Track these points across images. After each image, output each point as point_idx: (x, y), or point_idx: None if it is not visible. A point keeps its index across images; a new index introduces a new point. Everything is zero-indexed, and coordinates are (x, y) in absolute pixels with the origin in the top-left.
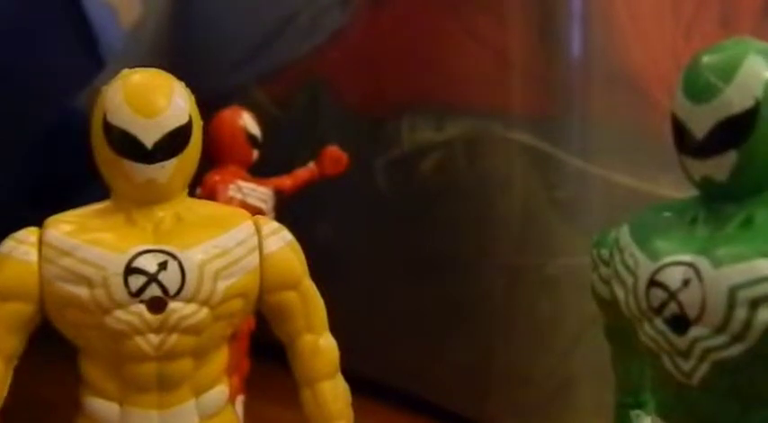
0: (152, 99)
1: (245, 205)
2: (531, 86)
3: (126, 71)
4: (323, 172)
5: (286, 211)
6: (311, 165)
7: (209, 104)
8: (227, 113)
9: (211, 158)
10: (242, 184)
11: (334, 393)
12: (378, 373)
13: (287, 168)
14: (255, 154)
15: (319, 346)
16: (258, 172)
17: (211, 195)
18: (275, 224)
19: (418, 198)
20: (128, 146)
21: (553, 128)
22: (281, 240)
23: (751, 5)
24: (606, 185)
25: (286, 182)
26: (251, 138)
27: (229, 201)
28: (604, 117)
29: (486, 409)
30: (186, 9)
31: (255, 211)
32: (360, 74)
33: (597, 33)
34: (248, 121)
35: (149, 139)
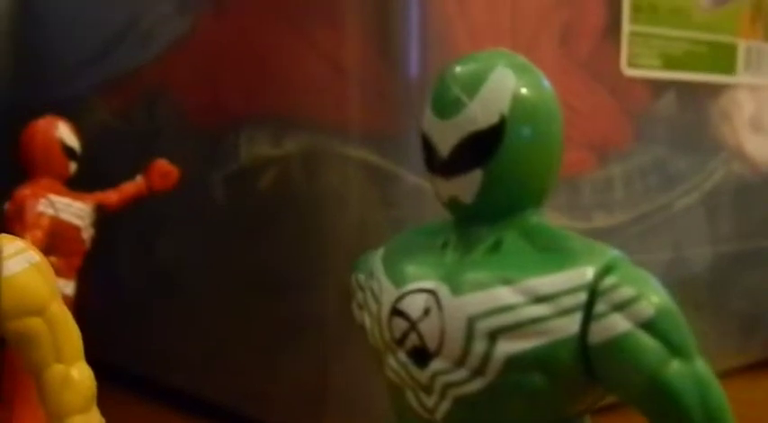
0: None
1: (57, 221)
2: (370, 103)
3: None
4: (151, 186)
5: (128, 226)
6: (139, 178)
7: (47, 113)
8: (42, 123)
9: (26, 171)
10: (55, 198)
11: None
12: (209, 390)
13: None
14: (73, 167)
15: (71, 377)
16: (96, 186)
17: (20, 210)
18: (20, 244)
19: (256, 214)
20: None
21: (391, 145)
22: (24, 261)
23: (591, 27)
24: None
25: (111, 197)
26: (67, 149)
27: (39, 216)
28: None
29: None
30: (26, 16)
31: (70, 227)
32: (199, 85)
33: (435, 52)
34: (64, 132)
35: None
